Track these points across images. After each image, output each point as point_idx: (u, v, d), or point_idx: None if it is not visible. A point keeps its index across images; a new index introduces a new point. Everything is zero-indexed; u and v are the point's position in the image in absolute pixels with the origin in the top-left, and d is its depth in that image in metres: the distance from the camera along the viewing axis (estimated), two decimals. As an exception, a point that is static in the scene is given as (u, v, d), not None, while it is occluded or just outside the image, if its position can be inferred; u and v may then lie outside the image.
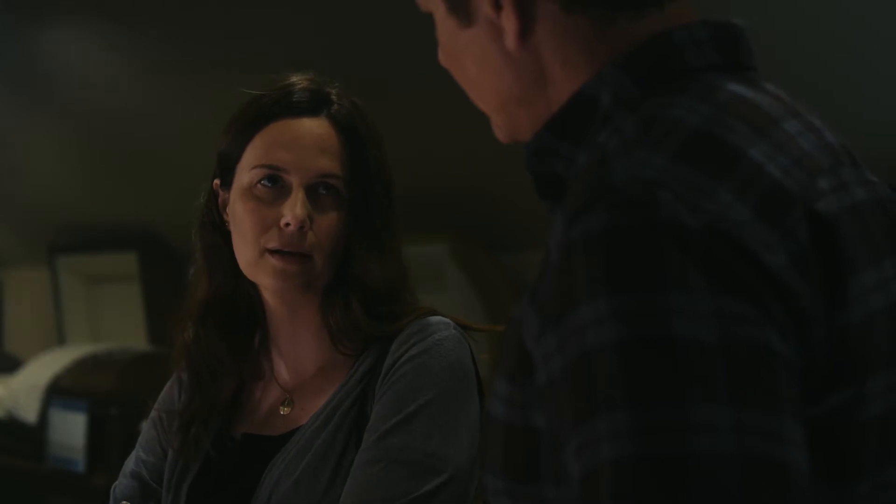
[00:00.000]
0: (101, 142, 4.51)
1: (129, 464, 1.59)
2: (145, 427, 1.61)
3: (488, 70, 0.93)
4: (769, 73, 0.92)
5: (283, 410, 1.52)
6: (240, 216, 1.47)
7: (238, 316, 1.55)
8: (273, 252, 1.44)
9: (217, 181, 1.53)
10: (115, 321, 5.11)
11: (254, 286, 1.52)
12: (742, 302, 0.74)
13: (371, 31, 3.36)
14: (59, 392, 4.27)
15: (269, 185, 1.45)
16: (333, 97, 1.50)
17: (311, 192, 1.45)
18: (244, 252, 1.47)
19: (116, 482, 1.59)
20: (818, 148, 0.86)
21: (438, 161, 3.52)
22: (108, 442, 3.99)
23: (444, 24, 0.95)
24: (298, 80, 1.51)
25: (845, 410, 0.80)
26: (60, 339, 5.16)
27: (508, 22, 0.90)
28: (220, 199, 1.53)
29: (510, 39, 0.90)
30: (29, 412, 4.36)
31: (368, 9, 3.26)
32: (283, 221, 1.43)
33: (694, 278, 0.74)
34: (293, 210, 1.43)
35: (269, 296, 1.51)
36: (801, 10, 2.76)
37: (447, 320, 1.47)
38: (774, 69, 0.92)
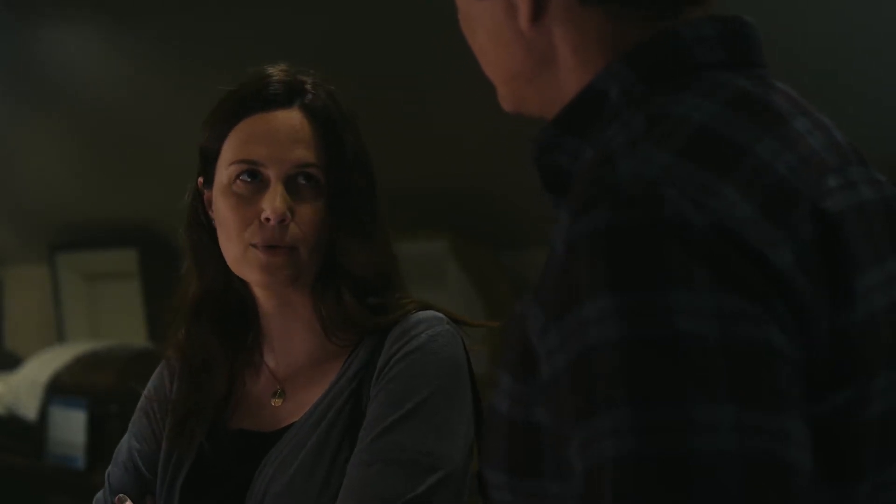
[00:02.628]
0: (100, 140, 4.51)
1: (122, 452, 1.59)
2: (136, 415, 1.61)
3: (500, 44, 0.93)
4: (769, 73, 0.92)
5: (275, 402, 1.52)
6: (222, 214, 1.47)
7: (230, 312, 1.55)
8: (257, 247, 1.44)
9: (201, 179, 1.54)
10: (115, 318, 5.10)
11: (244, 282, 1.52)
12: (744, 301, 0.74)
13: (371, 31, 3.36)
14: (59, 389, 4.26)
15: (249, 179, 1.45)
16: (308, 86, 1.49)
17: (290, 183, 1.45)
18: (229, 249, 1.47)
19: (109, 468, 1.59)
20: (826, 146, 0.86)
21: (438, 161, 3.52)
22: (108, 439, 3.98)
23: None
24: (273, 71, 1.51)
25: (846, 410, 0.80)
26: (60, 337, 5.16)
27: (522, 2, 0.90)
28: (205, 198, 1.54)
29: (522, 19, 0.90)
30: (29, 409, 4.36)
31: (368, 9, 3.26)
32: (263, 216, 1.43)
33: (696, 277, 0.74)
34: (272, 204, 1.43)
35: (258, 290, 1.51)
36: (801, 10, 2.76)
37: (440, 315, 1.47)
38: (774, 69, 0.92)
